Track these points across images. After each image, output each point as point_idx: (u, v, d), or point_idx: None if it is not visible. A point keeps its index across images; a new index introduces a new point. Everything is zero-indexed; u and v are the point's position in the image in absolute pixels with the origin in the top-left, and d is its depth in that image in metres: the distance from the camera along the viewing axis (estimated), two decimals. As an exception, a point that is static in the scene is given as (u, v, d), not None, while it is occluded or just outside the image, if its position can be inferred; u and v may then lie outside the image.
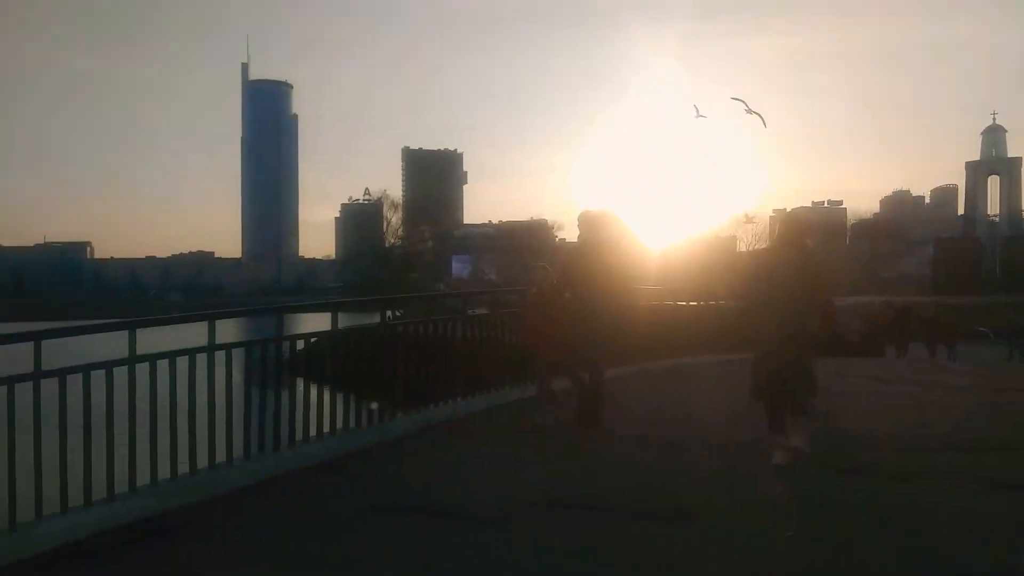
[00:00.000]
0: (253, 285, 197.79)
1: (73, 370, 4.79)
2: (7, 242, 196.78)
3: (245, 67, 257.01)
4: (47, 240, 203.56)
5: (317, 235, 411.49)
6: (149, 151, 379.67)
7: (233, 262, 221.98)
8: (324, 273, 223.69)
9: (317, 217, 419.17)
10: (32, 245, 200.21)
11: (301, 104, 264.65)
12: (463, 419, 7.87)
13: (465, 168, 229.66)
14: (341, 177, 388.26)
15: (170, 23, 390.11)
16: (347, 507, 5.19)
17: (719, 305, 14.12)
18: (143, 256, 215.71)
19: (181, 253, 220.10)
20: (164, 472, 5.43)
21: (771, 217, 78.72)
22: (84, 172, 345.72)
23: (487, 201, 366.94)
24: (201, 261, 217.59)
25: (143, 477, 5.16)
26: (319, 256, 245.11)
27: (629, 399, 8.77)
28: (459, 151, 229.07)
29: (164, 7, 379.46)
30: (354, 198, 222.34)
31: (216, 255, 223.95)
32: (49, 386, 4.61)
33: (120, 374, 5.04)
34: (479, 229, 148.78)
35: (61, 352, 4.95)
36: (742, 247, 69.34)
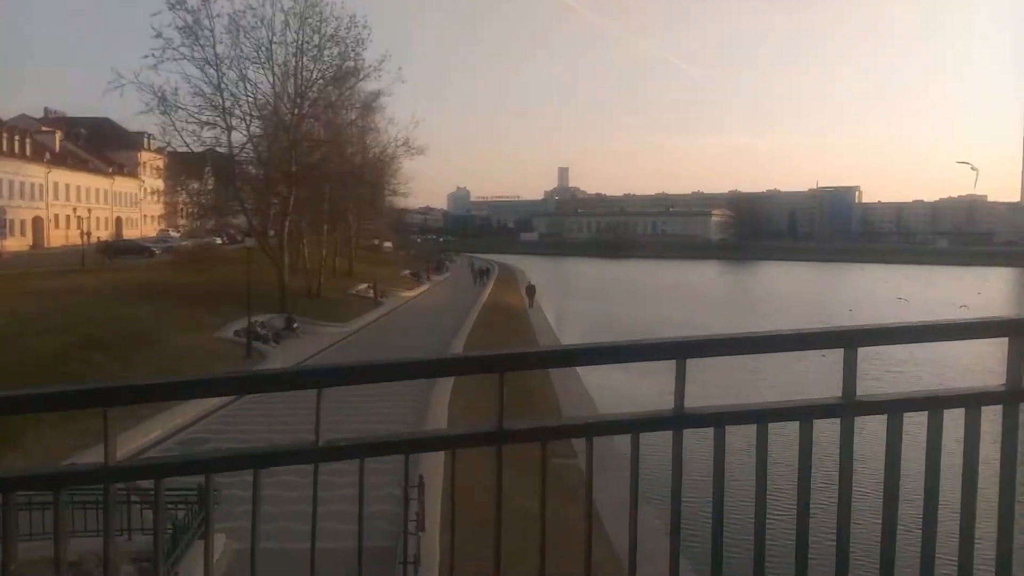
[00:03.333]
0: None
1: None
2: (784, 187, 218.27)
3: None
4: (819, 185, 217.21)
5: None
6: (917, 94, 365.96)
7: (1011, 206, 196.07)
8: None
9: None
10: (805, 190, 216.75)
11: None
12: None
13: None
14: None
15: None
16: None
17: None
18: (910, 200, 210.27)
19: (950, 197, 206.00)
20: None
21: None
22: (854, 122, 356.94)
23: None
24: (971, 205, 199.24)
25: None
26: None
27: None
28: None
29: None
30: None
31: (989, 199, 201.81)
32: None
33: None
34: None
35: None
36: None
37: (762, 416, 2.28)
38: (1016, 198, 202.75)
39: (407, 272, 65.83)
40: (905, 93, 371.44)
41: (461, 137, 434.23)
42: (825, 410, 2.32)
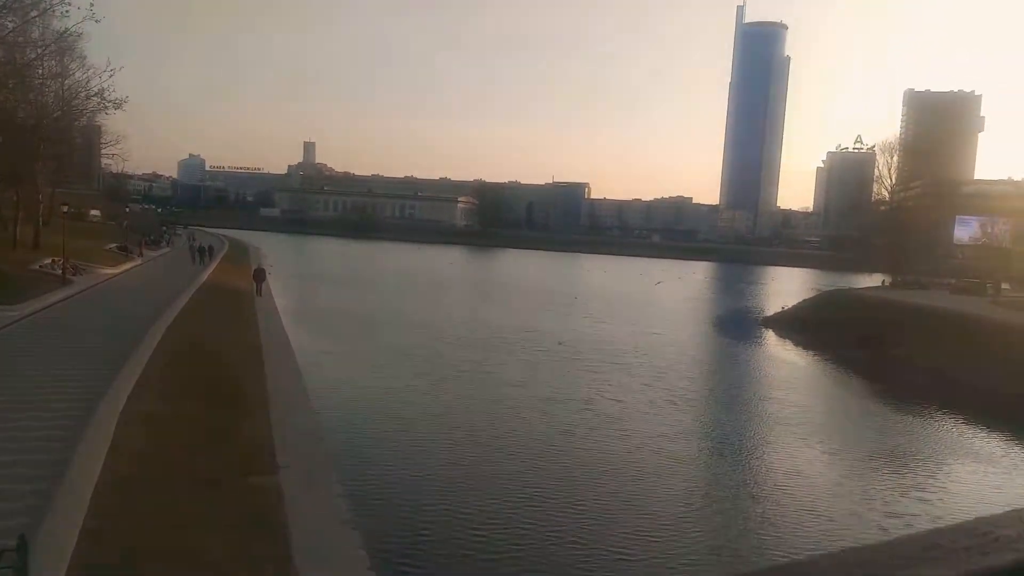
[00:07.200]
0: (728, 233, 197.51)
1: None
2: (524, 180, 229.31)
3: (741, 9, 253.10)
4: (554, 180, 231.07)
5: (797, 185, 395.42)
6: (641, 101, 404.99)
7: (710, 208, 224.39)
8: (800, 226, 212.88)
9: (799, 166, 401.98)
10: (543, 184, 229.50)
11: (795, 45, 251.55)
12: None
13: (982, 114, 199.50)
14: (829, 123, 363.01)
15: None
16: None
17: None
18: (630, 198, 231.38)
19: (662, 197, 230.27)
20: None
21: None
22: (584, 122, 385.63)
23: (1010, 154, 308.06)
24: (680, 206, 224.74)
25: None
26: (796, 208, 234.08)
27: None
28: (976, 93, 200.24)
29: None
30: (842, 146, 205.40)
31: (694, 200, 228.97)
32: None
33: None
34: (994, 187, 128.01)
35: None
36: None
37: None
38: (716, 201, 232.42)
39: (114, 246, 58.19)
40: (627, 99, 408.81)
41: (195, 99, 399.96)
42: None
